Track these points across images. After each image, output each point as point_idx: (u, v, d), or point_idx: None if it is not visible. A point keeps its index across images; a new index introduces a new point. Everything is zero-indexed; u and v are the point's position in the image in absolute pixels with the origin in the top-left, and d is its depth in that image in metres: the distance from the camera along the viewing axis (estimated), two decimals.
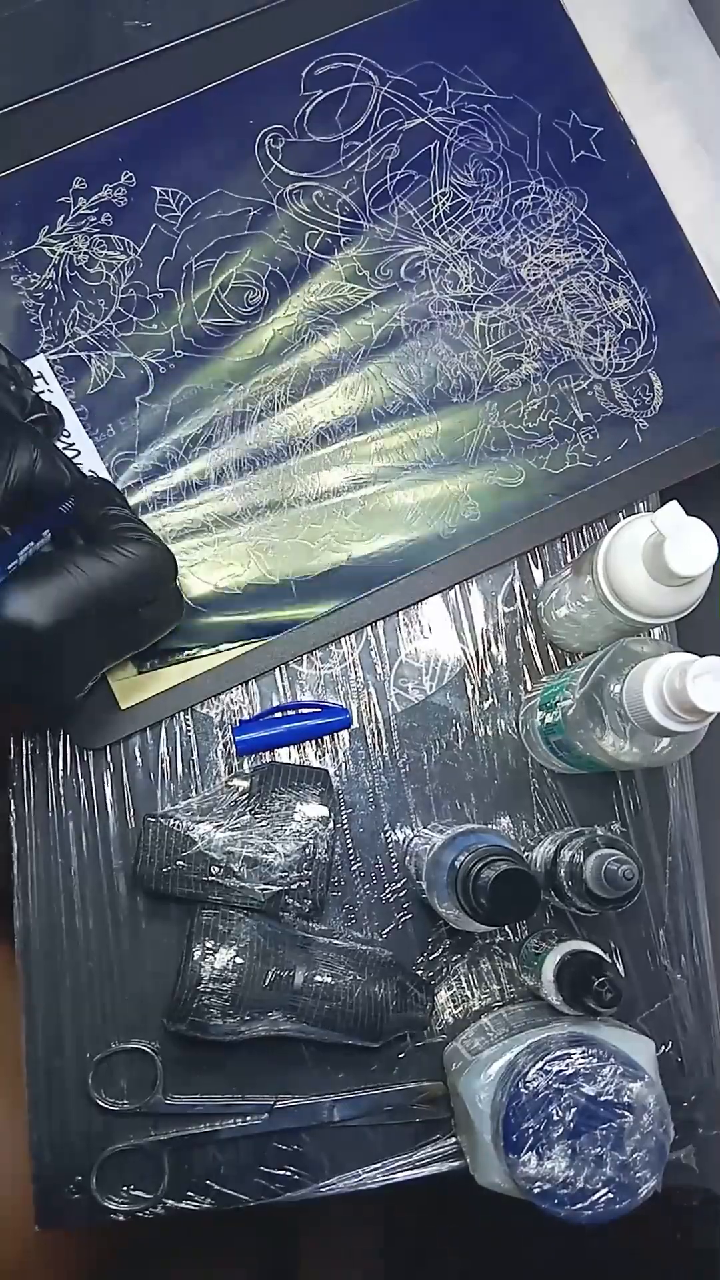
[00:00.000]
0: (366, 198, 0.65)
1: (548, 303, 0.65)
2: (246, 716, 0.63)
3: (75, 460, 0.62)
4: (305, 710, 0.63)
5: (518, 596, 0.65)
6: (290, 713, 0.63)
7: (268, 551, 0.63)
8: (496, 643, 0.65)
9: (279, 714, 0.63)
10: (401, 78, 0.65)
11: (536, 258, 0.65)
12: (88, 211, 0.63)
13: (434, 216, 0.65)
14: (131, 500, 0.62)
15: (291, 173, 0.65)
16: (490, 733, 0.64)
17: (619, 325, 0.66)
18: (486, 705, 0.64)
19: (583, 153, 0.66)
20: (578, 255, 0.66)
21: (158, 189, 0.64)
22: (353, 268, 0.65)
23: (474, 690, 0.64)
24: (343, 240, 0.65)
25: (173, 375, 0.63)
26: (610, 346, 0.65)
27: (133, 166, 0.64)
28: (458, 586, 0.65)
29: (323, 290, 0.64)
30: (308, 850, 0.58)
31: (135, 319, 0.63)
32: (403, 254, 0.65)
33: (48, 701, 0.55)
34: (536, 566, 0.65)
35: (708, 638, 0.61)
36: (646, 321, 0.66)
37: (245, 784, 0.60)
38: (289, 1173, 0.60)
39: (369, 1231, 0.81)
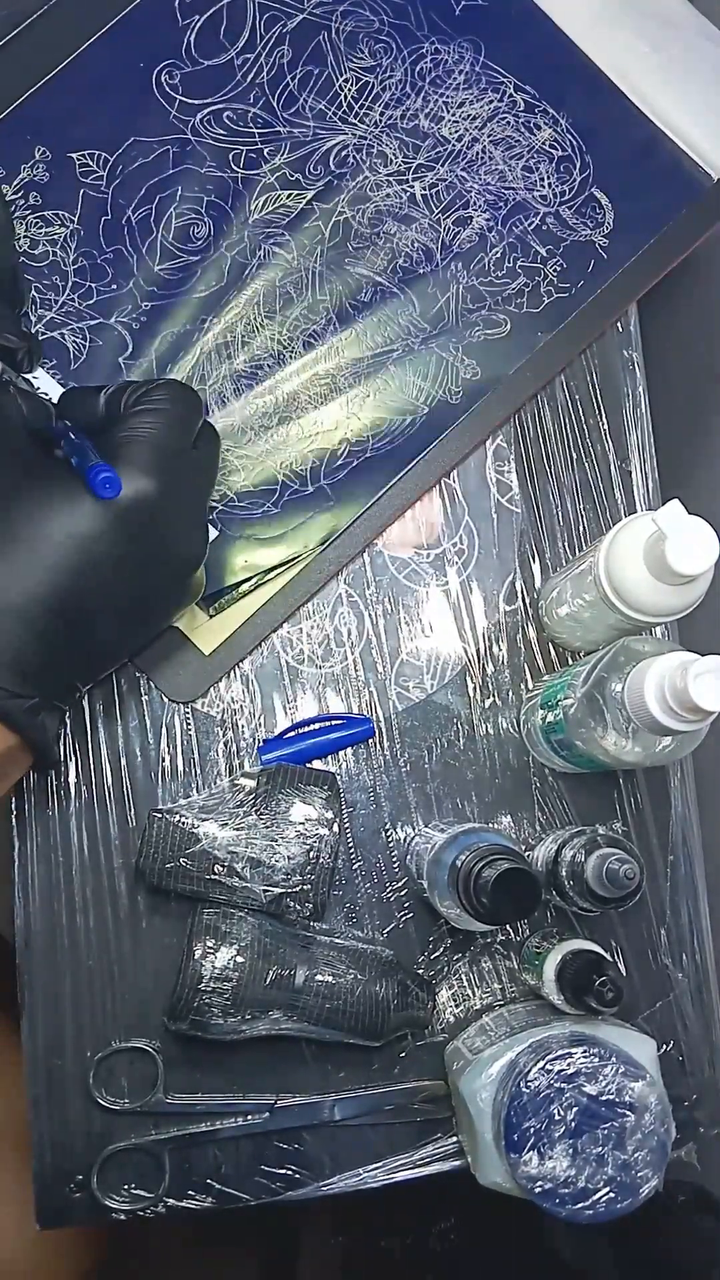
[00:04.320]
0: (275, 104, 0.66)
1: (477, 154, 0.67)
2: (258, 723, 0.62)
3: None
4: (326, 724, 0.63)
5: (519, 595, 0.65)
6: (314, 726, 0.63)
7: (292, 463, 0.64)
8: (498, 641, 0.65)
9: (303, 728, 0.63)
10: None
11: (453, 115, 0.67)
12: (13, 196, 0.64)
13: (344, 104, 0.66)
14: None
15: (196, 102, 0.65)
16: (491, 731, 0.64)
17: (551, 155, 0.67)
18: (488, 704, 0.64)
19: (464, 2, 0.67)
20: (490, 101, 0.67)
21: (74, 155, 0.64)
22: (283, 175, 0.65)
23: (475, 689, 0.64)
24: (266, 151, 0.65)
25: (147, 328, 0.64)
26: (549, 178, 0.67)
27: (43, 140, 0.64)
28: (459, 584, 0.65)
29: (262, 205, 0.65)
30: (311, 854, 0.58)
31: (93, 285, 0.64)
32: (326, 148, 0.66)
33: (188, 573, 0.56)
34: (536, 563, 0.65)
35: (709, 636, 0.61)
36: (575, 144, 0.67)
37: (252, 783, 0.60)
38: (290, 1172, 0.60)
39: (369, 1231, 0.81)
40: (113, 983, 0.60)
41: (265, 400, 0.64)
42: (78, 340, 0.63)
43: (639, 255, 0.67)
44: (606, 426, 0.67)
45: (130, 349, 0.64)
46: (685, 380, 0.80)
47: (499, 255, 0.66)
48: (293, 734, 0.63)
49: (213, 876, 0.57)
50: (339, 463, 0.64)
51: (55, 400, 0.58)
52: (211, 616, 0.63)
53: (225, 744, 0.62)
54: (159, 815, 0.58)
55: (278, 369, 0.65)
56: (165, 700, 0.62)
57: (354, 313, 0.65)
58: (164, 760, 0.62)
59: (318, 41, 0.66)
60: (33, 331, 0.63)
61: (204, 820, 0.58)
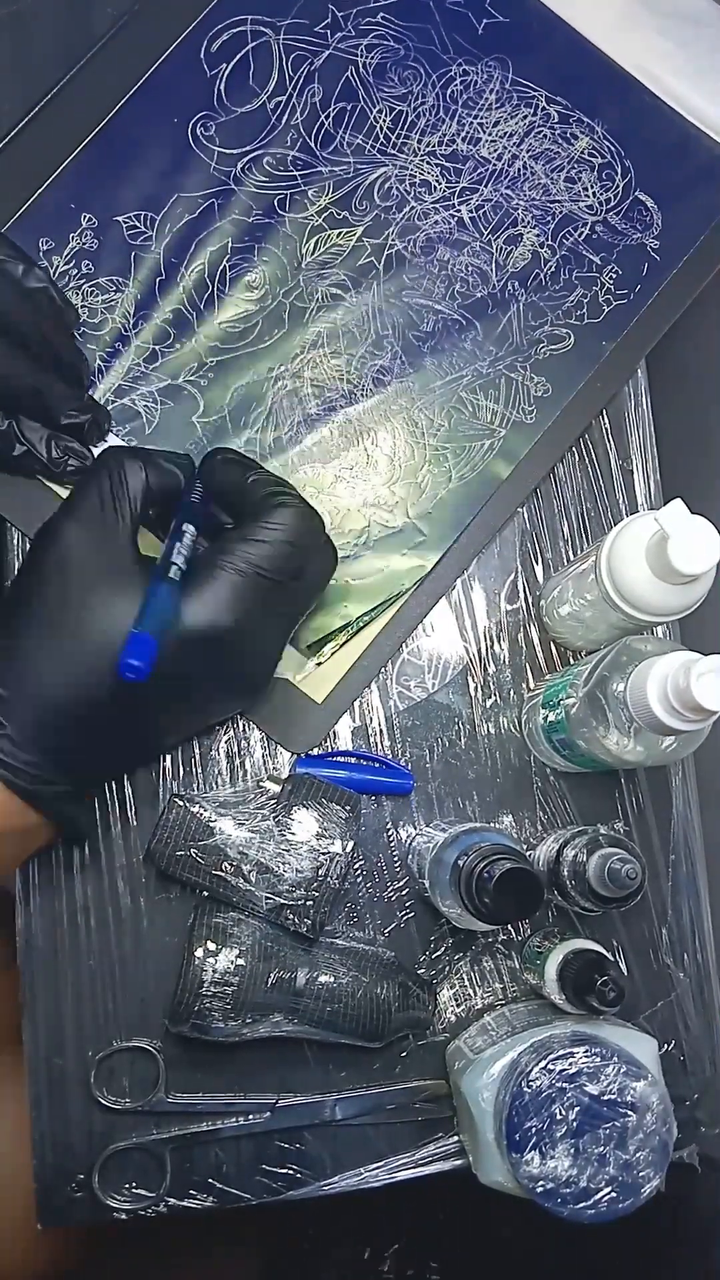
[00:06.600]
0: (313, 145, 0.65)
1: (518, 170, 0.67)
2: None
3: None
4: (371, 763, 0.63)
5: (520, 594, 0.65)
6: (356, 760, 0.63)
7: (378, 502, 0.64)
8: (499, 640, 0.65)
9: (346, 757, 0.63)
10: (291, 20, 0.66)
11: (489, 134, 0.66)
12: (66, 267, 0.63)
13: (381, 135, 0.66)
14: None
15: (234, 151, 0.65)
16: (493, 731, 0.64)
17: (591, 164, 0.67)
18: (489, 703, 0.64)
19: (485, 20, 0.67)
20: (525, 116, 0.67)
21: (120, 219, 0.63)
22: (330, 214, 0.65)
23: (477, 688, 0.64)
24: (309, 192, 0.65)
25: (215, 384, 0.63)
26: (592, 186, 0.67)
27: (87, 207, 0.63)
28: (460, 584, 0.64)
29: (314, 247, 0.65)
30: (320, 871, 0.57)
31: (156, 347, 0.63)
32: (369, 182, 0.65)
33: (251, 693, 0.58)
34: (538, 562, 0.65)
35: (712, 636, 0.61)
36: (613, 149, 0.67)
37: (276, 788, 0.60)
38: (291, 1171, 0.60)
39: (369, 1230, 0.81)
40: (114, 982, 0.60)
41: (341, 442, 0.64)
42: (148, 404, 0.63)
43: (692, 252, 0.67)
44: (607, 425, 0.67)
45: (201, 407, 0.63)
46: (687, 379, 0.79)
47: (554, 269, 0.66)
48: (337, 758, 0.62)
49: (218, 873, 0.57)
50: (424, 495, 0.64)
51: (198, 461, 0.57)
52: (319, 665, 0.62)
53: (226, 743, 0.62)
54: (180, 802, 0.58)
55: (351, 410, 0.64)
56: None
57: (419, 344, 0.65)
58: (164, 759, 0.62)
59: (346, 76, 0.66)
60: (99, 401, 0.62)
61: (222, 815, 0.58)
